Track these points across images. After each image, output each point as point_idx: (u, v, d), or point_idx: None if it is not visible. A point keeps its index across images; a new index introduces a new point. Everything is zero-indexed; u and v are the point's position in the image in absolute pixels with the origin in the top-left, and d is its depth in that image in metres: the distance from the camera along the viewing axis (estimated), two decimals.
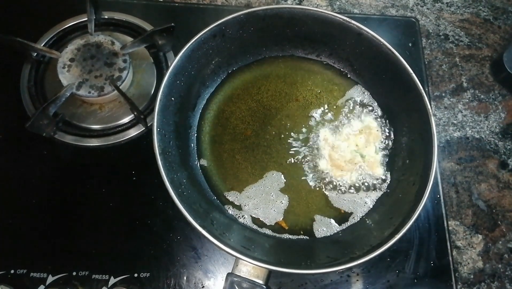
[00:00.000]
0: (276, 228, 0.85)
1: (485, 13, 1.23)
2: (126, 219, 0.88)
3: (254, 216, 0.85)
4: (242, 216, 0.85)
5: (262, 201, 0.87)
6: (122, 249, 0.85)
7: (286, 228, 0.85)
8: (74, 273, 0.81)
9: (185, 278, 0.84)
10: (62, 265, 0.82)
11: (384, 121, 0.94)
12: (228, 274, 0.69)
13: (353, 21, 0.87)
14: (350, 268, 0.86)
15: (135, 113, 0.91)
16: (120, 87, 0.92)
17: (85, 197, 0.89)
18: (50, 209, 0.88)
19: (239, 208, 0.86)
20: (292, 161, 0.91)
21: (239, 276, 0.68)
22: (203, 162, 0.90)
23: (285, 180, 0.89)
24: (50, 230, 0.86)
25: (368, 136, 0.90)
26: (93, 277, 0.81)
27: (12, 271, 0.80)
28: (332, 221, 0.86)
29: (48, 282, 0.80)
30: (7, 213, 0.87)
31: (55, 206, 0.88)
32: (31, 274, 0.81)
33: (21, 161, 0.92)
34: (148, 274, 0.83)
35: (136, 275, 0.82)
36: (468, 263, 0.92)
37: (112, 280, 0.81)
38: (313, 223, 0.86)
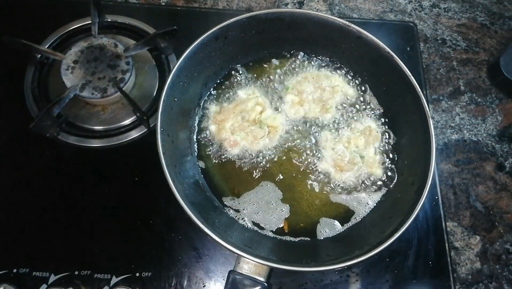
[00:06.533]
0: (278, 230, 0.86)
1: (482, 18, 1.25)
2: (128, 219, 0.89)
3: (254, 221, 0.86)
4: (242, 218, 0.86)
5: (261, 208, 0.87)
6: (124, 248, 0.86)
7: (286, 230, 0.86)
8: (76, 272, 0.82)
9: (186, 277, 0.84)
10: (64, 264, 0.83)
11: (383, 123, 0.95)
12: (230, 272, 0.70)
13: (352, 25, 0.88)
14: (350, 267, 0.87)
15: (138, 114, 0.92)
16: (123, 89, 0.93)
17: (87, 197, 0.90)
18: (53, 208, 0.89)
19: (238, 211, 0.87)
20: (293, 163, 0.92)
21: (241, 273, 0.69)
22: (204, 162, 0.91)
23: (286, 183, 0.90)
24: (53, 230, 0.87)
25: (368, 137, 0.91)
26: (95, 276, 0.82)
27: (15, 270, 0.81)
28: (336, 222, 0.87)
29: (50, 281, 0.81)
30: (10, 212, 0.88)
31: (57, 205, 0.89)
32: (34, 273, 0.81)
33: (24, 161, 0.93)
34: (149, 274, 0.84)
35: (137, 274, 0.83)
36: (466, 264, 0.93)
37: (114, 279, 0.82)
38: (317, 225, 0.87)
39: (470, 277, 0.92)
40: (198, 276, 0.85)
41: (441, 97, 1.12)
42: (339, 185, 0.90)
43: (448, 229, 0.95)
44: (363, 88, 0.99)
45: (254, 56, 1.00)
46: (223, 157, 0.91)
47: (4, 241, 0.85)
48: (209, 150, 0.92)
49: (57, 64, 0.98)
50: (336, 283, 0.87)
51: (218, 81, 0.98)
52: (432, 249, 0.91)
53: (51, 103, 0.87)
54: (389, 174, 0.91)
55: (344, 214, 0.88)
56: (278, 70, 1.00)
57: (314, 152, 0.92)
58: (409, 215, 0.73)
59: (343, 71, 1.00)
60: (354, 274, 0.88)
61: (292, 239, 0.85)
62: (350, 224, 0.87)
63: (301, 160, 0.92)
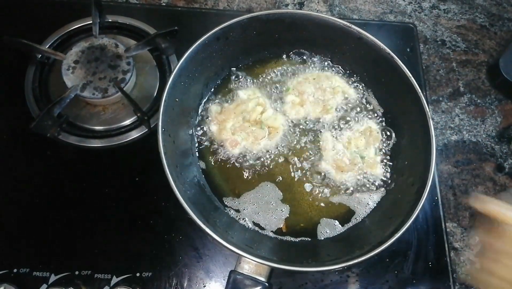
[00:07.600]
0: (278, 230, 0.86)
1: (481, 20, 1.26)
2: (128, 219, 0.89)
3: (254, 221, 0.86)
4: (243, 219, 0.86)
5: (262, 208, 0.87)
6: (124, 248, 0.86)
7: (284, 230, 0.86)
8: (77, 272, 0.82)
9: (187, 277, 0.84)
10: (65, 264, 0.83)
11: (384, 123, 0.96)
12: (231, 272, 0.70)
13: (353, 26, 0.89)
14: (350, 267, 0.87)
15: (139, 114, 0.92)
16: (124, 89, 0.93)
17: (87, 197, 0.90)
18: (53, 208, 0.89)
19: (238, 212, 0.87)
20: (293, 163, 0.92)
21: (242, 273, 0.69)
22: (205, 163, 0.91)
23: (286, 183, 0.90)
24: (53, 230, 0.87)
25: (368, 138, 0.91)
26: (95, 276, 0.82)
27: (15, 270, 0.81)
28: (336, 222, 0.87)
29: (50, 281, 0.81)
30: (11, 212, 0.88)
31: (58, 205, 0.89)
32: (34, 273, 0.81)
33: (25, 161, 0.93)
34: (150, 274, 0.84)
35: (138, 274, 0.83)
36: (466, 264, 0.94)
37: (115, 280, 0.82)
38: (318, 225, 0.87)
39: (469, 277, 0.92)
40: (198, 276, 0.85)
41: (440, 98, 1.12)
42: (340, 185, 0.90)
43: (447, 229, 0.95)
44: (363, 89, 0.99)
45: (255, 56, 1.00)
46: (223, 157, 0.91)
47: (4, 241, 0.85)
48: (210, 150, 0.92)
49: (58, 64, 0.98)
50: (336, 283, 0.87)
51: (219, 81, 0.98)
52: (431, 249, 0.92)
53: (52, 103, 0.87)
54: (389, 174, 0.91)
55: (345, 214, 0.88)
56: (279, 71, 1.00)
57: (315, 152, 0.93)
58: (409, 216, 0.74)
59: (343, 72, 1.01)
60: (354, 275, 0.88)
61: (292, 239, 0.85)
62: (350, 224, 0.87)
63: (301, 160, 0.92)
